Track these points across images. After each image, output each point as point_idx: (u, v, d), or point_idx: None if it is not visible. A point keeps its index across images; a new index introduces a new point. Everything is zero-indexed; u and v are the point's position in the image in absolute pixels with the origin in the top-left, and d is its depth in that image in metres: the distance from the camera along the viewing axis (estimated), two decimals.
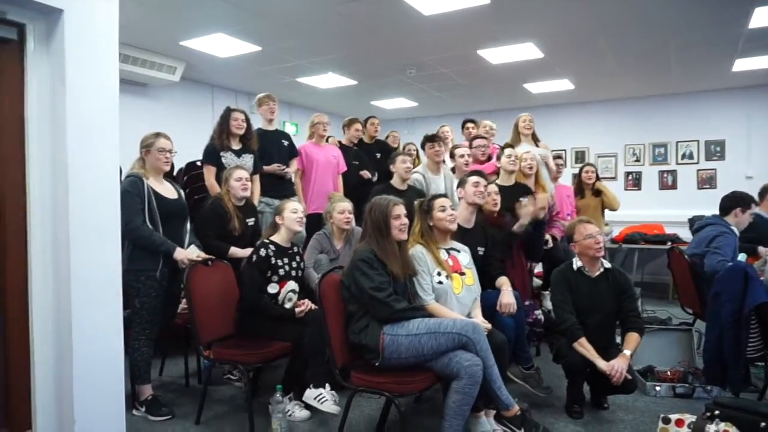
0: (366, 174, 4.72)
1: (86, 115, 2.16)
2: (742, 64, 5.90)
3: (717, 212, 3.64)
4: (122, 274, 2.39)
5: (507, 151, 3.94)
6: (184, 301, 3.13)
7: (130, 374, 2.83)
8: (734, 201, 3.52)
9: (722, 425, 2.09)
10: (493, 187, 3.47)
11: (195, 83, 6.71)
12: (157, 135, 2.93)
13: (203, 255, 2.97)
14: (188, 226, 3.11)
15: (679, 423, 2.24)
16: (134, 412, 2.85)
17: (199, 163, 4.28)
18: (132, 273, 2.76)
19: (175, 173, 4.75)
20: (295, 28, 4.82)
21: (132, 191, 2.74)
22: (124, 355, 2.34)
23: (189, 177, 4.38)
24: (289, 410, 2.74)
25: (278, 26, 4.76)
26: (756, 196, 3.83)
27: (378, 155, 5.05)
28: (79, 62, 2.14)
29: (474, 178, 3.21)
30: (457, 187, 3.35)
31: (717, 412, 2.16)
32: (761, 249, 3.50)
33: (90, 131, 2.17)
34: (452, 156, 4.24)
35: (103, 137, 2.23)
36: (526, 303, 3.43)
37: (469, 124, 5.39)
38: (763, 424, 1.99)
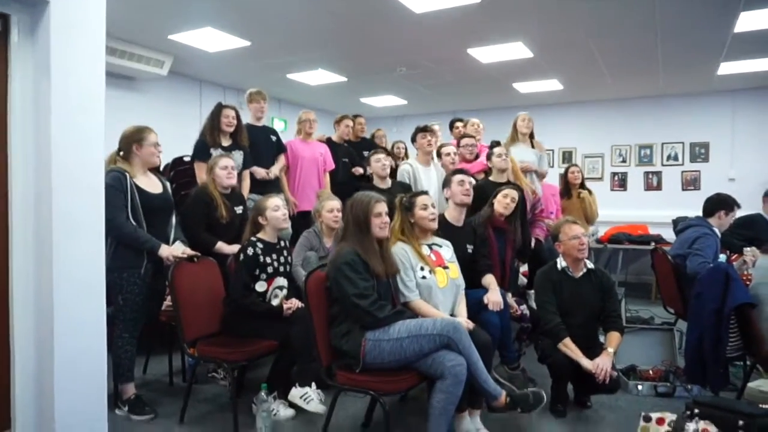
0: (358, 170, 4.72)
1: (71, 108, 2.13)
2: (727, 68, 5.97)
3: (700, 213, 3.70)
4: (106, 271, 2.37)
5: (497, 150, 3.94)
6: (168, 298, 3.11)
7: (113, 373, 2.79)
8: (718, 203, 3.57)
9: (701, 423, 2.12)
10: (514, 193, 3.43)
11: (183, 77, 6.64)
12: (147, 129, 2.89)
13: (189, 251, 2.94)
14: (174, 220, 3.08)
15: (660, 421, 2.27)
16: (117, 411, 2.82)
17: (186, 158, 4.25)
18: (115, 270, 2.72)
19: (161, 168, 4.73)
20: (285, 24, 4.79)
21: (114, 186, 2.68)
22: (107, 353, 2.32)
23: (176, 172, 4.35)
24: (273, 409, 2.72)
25: (268, 21, 4.73)
26: (739, 199, 3.88)
27: (365, 153, 5.05)
28: (65, 54, 2.10)
29: (458, 177, 3.20)
30: (443, 187, 3.35)
31: (696, 410, 2.19)
32: (746, 249, 3.55)
33: (75, 124, 2.14)
34: (439, 155, 4.24)
35: (88, 131, 2.20)
36: (513, 298, 3.45)
37: (458, 123, 5.40)
38: (740, 422, 2.03)
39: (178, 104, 6.60)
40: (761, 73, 6.15)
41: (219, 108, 3.82)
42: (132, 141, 2.88)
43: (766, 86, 6.77)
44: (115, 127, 2.84)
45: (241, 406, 2.80)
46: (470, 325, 2.56)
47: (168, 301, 3.19)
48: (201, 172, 3.72)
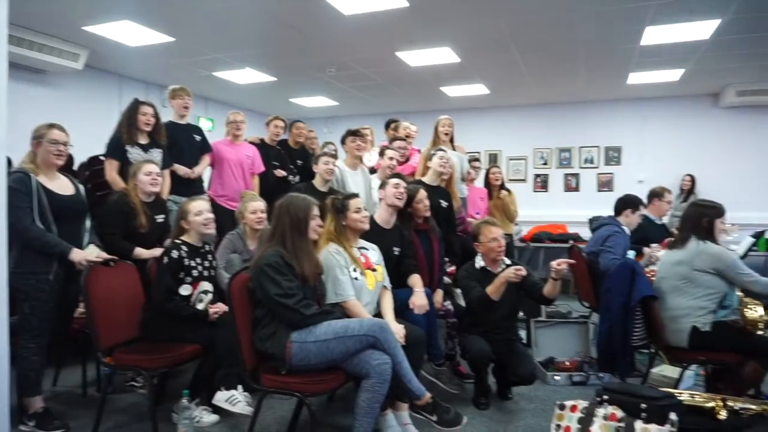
0: (280, 172, 4.66)
1: None
2: (636, 78, 6.44)
3: (612, 213, 3.95)
4: (9, 276, 2.21)
5: (440, 153, 3.97)
6: (82, 305, 2.94)
7: (17, 386, 2.60)
8: (624, 203, 3.84)
9: (610, 408, 2.26)
10: (423, 194, 3.41)
11: (101, 72, 6.32)
12: (51, 126, 2.71)
13: (104, 255, 2.79)
14: (88, 223, 2.91)
15: (573, 408, 2.39)
16: (21, 427, 2.63)
17: (102, 158, 4.03)
18: (21, 276, 2.54)
19: (76, 167, 4.47)
20: (210, 21, 4.66)
21: (18, 188, 2.51)
22: (11, 366, 2.16)
23: (92, 172, 4.11)
24: (196, 416, 2.65)
25: (192, 18, 4.58)
26: (645, 199, 4.19)
27: (300, 162, 5.00)
28: None
29: (394, 181, 3.24)
30: (379, 188, 3.37)
31: (606, 396, 2.33)
32: (646, 249, 3.84)
33: None
34: (381, 154, 4.23)
35: None
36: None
37: (394, 124, 5.45)
38: (643, 405, 2.18)
39: (95, 100, 6.27)
40: (666, 84, 6.68)
41: (136, 104, 3.64)
42: (33, 138, 2.70)
43: (672, 96, 7.35)
44: (26, 123, 2.69)
45: (162, 414, 2.69)
46: (401, 334, 2.54)
47: (81, 308, 3.01)
48: (112, 171, 3.54)
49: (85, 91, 6.18)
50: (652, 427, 2.06)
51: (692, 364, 3.08)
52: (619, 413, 2.22)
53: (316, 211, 2.49)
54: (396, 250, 3.18)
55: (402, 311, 2.86)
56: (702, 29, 4.72)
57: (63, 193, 2.74)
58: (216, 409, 2.67)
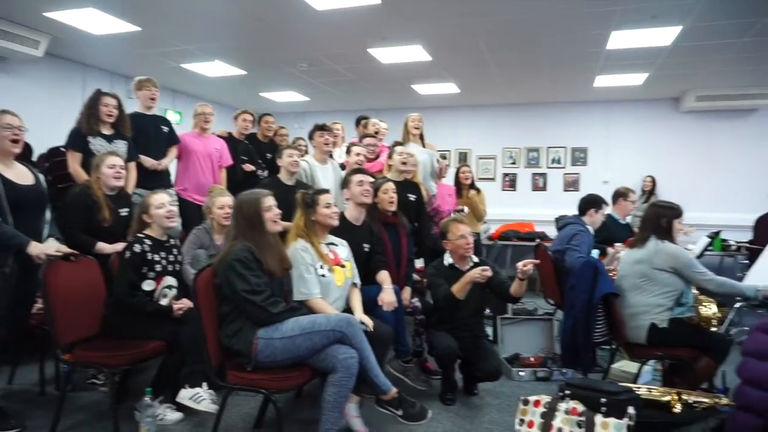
0: (248, 167, 4.61)
1: None
2: (602, 81, 6.59)
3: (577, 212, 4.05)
4: None
5: (398, 149, 3.98)
6: (40, 300, 2.85)
7: None
8: (588, 203, 3.95)
9: (571, 403, 2.32)
10: (390, 185, 3.42)
11: (63, 61, 6.11)
12: (3, 112, 2.63)
13: (64, 249, 2.70)
14: (48, 215, 2.82)
15: (536, 404, 2.44)
16: None
17: (63, 149, 3.91)
18: None
19: (35, 159, 4.33)
20: (179, 11, 4.56)
21: None
22: None
23: (53, 164, 4.00)
24: (159, 414, 2.60)
25: (160, 7, 4.48)
26: (610, 199, 4.30)
27: (269, 155, 4.95)
28: None
29: (357, 178, 3.21)
30: (342, 188, 3.35)
31: (568, 391, 2.39)
32: (610, 249, 3.94)
33: None
34: (348, 152, 4.23)
35: None
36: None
37: (364, 121, 5.44)
38: (603, 399, 2.25)
39: (57, 89, 6.07)
40: (631, 87, 6.86)
41: (98, 95, 3.53)
42: None
43: (636, 99, 7.56)
44: None
45: (123, 413, 2.63)
46: (369, 325, 2.56)
47: (40, 304, 2.91)
48: (74, 163, 3.44)
49: (47, 79, 5.97)
50: (611, 420, 2.12)
51: (650, 360, 3.18)
52: (580, 407, 2.28)
53: (269, 202, 2.45)
54: (366, 247, 3.19)
55: (371, 308, 2.87)
56: (664, 35, 4.87)
57: (21, 183, 2.66)
58: (180, 407, 2.63)
